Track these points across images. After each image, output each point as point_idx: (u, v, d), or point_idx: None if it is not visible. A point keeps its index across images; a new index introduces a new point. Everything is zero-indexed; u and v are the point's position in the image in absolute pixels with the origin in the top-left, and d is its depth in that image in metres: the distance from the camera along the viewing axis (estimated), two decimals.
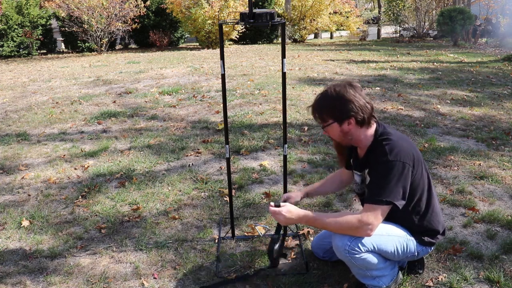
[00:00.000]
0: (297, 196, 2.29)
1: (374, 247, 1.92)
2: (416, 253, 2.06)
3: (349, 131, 1.91)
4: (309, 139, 4.44)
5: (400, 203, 1.84)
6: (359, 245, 1.89)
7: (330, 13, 20.37)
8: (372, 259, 1.94)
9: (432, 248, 2.13)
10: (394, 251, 1.98)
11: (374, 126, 1.96)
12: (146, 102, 6.43)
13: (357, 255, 1.91)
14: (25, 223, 2.92)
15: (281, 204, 1.96)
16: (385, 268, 2.02)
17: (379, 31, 24.88)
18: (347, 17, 21.57)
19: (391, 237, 1.97)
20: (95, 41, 15.33)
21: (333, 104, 1.88)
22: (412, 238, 2.03)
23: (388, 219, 1.94)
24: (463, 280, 2.19)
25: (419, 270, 2.24)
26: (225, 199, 3.19)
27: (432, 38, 19.89)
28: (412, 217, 2.01)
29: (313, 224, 1.99)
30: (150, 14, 17.61)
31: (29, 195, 3.39)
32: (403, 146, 1.89)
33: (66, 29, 15.39)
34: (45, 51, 17.03)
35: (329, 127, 1.93)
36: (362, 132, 1.93)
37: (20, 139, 4.86)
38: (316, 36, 25.81)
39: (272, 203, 1.98)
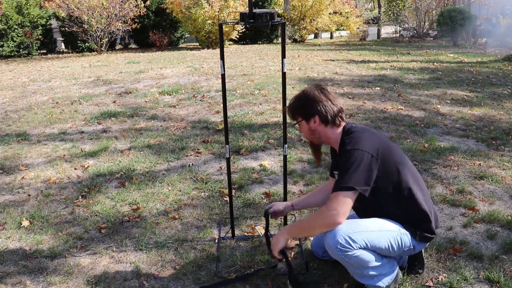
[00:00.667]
0: (281, 205, 2.37)
1: (366, 243, 1.92)
2: (412, 247, 2.04)
3: (316, 129, 2.06)
4: None
5: (364, 189, 1.87)
6: (351, 242, 1.89)
7: (330, 13, 20.38)
8: (367, 256, 1.94)
9: (427, 243, 2.11)
10: (389, 246, 1.97)
11: (342, 125, 2.06)
12: (146, 102, 6.43)
13: (349, 253, 1.90)
14: (25, 223, 2.92)
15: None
16: (382, 266, 2.01)
17: (379, 31, 24.90)
18: (347, 17, 21.57)
19: (383, 233, 1.96)
20: (95, 41, 15.34)
21: (300, 104, 2.07)
22: (406, 232, 2.01)
23: (378, 214, 1.99)
24: (463, 280, 2.19)
25: (419, 270, 2.24)
26: (225, 199, 3.19)
27: (432, 38, 19.90)
28: (396, 209, 2.01)
29: (296, 233, 2.14)
30: (150, 14, 17.61)
31: (29, 195, 3.39)
32: (365, 137, 1.94)
33: (66, 29, 15.39)
34: (45, 51, 17.03)
35: (299, 125, 2.10)
36: (328, 131, 2.05)
37: (20, 139, 4.86)
38: (316, 36, 25.81)
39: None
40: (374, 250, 1.96)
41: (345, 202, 1.85)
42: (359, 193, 1.87)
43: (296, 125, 2.11)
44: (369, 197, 1.91)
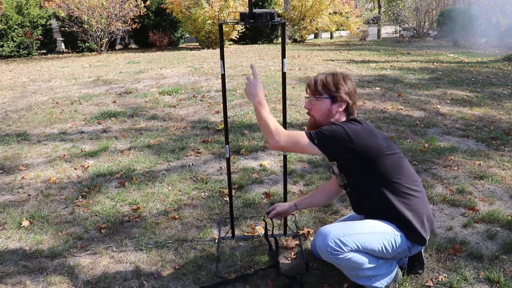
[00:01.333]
0: (285, 205, 2.41)
1: (357, 246, 1.91)
2: (407, 248, 2.03)
3: (336, 114, 2.04)
4: None
5: (317, 143, 1.89)
6: (341, 245, 1.89)
7: (330, 13, 20.37)
8: (359, 258, 1.93)
9: (423, 246, 2.10)
10: (382, 248, 1.96)
11: (350, 117, 2.08)
12: (146, 102, 6.43)
13: (341, 256, 1.90)
14: (25, 223, 2.92)
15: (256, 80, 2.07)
16: (378, 267, 2.00)
17: (379, 31, 24.89)
18: (347, 17, 21.57)
19: (375, 235, 1.95)
20: (95, 41, 15.33)
21: (339, 84, 2.02)
22: (400, 233, 2.00)
23: (372, 214, 2.01)
24: (463, 280, 2.19)
25: (419, 270, 2.24)
26: (225, 199, 3.19)
27: (432, 38, 19.90)
28: (382, 201, 2.00)
29: (256, 110, 2.04)
30: (150, 14, 17.60)
31: (29, 195, 3.39)
32: (354, 125, 1.95)
33: (66, 29, 15.38)
34: (45, 51, 17.02)
35: (319, 101, 2.04)
36: (342, 119, 2.05)
37: (20, 139, 4.86)
38: (316, 36, 25.80)
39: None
40: (367, 252, 1.95)
41: (295, 141, 1.92)
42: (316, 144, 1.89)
43: (314, 98, 2.06)
44: (354, 180, 2.03)
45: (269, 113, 2.00)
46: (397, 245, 1.99)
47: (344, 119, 2.06)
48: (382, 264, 2.03)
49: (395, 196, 1.99)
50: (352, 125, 1.95)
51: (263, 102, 2.03)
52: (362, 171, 1.99)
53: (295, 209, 2.43)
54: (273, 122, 1.96)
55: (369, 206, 2.07)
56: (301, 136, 1.92)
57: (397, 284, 2.13)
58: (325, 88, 2.03)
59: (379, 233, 1.97)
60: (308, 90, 2.11)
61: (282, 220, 2.70)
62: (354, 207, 2.22)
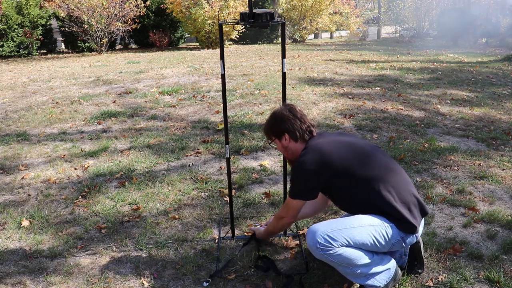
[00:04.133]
0: (260, 230, 2.59)
1: (347, 240, 1.92)
2: (400, 239, 2.02)
3: (288, 146, 2.24)
4: None
5: (305, 197, 2.11)
6: (330, 240, 1.90)
7: (330, 13, 20.38)
8: (351, 253, 1.93)
9: (416, 235, 2.07)
10: (374, 241, 1.96)
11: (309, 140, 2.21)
12: (146, 102, 6.43)
13: (331, 251, 1.91)
14: (25, 223, 2.92)
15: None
16: (374, 263, 1.99)
17: (379, 31, 24.89)
18: (347, 17, 21.58)
19: (364, 228, 1.96)
20: (95, 41, 15.33)
21: (271, 124, 2.28)
22: (391, 225, 2.00)
23: (356, 206, 2.07)
24: (463, 280, 2.19)
25: (419, 270, 2.24)
26: (225, 199, 3.19)
27: (432, 38, 19.89)
28: (368, 201, 2.03)
29: (265, 236, 2.54)
30: (150, 14, 17.60)
31: (29, 195, 3.39)
32: (313, 152, 2.07)
33: (66, 29, 15.38)
34: (45, 51, 17.01)
35: (274, 143, 2.31)
36: (298, 146, 2.21)
37: (20, 139, 4.86)
38: (316, 36, 25.80)
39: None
40: (359, 247, 1.95)
41: (292, 207, 2.17)
42: (307, 196, 2.10)
43: (272, 144, 2.32)
44: (335, 191, 2.12)
45: (267, 227, 2.47)
46: (390, 237, 1.99)
47: (301, 145, 2.20)
48: (378, 260, 2.02)
49: (375, 193, 2.01)
50: (303, 156, 2.08)
51: (262, 233, 2.53)
52: (340, 186, 2.08)
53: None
54: (271, 226, 2.41)
55: (356, 206, 2.09)
56: (289, 202, 2.17)
57: (397, 284, 2.13)
58: (268, 134, 2.32)
59: (368, 226, 1.97)
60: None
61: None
62: (342, 208, 2.29)
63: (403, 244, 2.06)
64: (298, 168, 2.09)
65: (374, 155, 2.11)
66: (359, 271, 1.98)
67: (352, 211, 2.13)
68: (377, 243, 1.97)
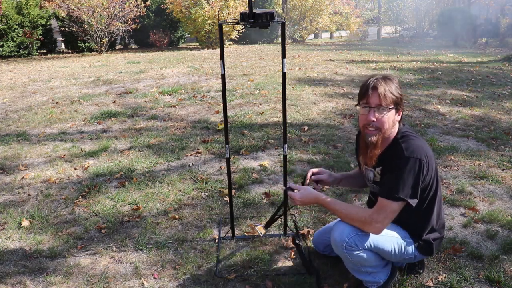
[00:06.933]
0: (326, 173, 2.29)
1: (371, 245, 1.94)
2: (413, 256, 2.06)
3: (395, 124, 1.94)
4: (309, 139, 4.44)
5: (413, 201, 1.84)
6: (357, 242, 1.91)
7: (330, 13, 20.39)
8: (369, 256, 1.96)
9: (428, 256, 2.12)
10: (392, 251, 1.99)
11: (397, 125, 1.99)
12: (146, 102, 6.43)
13: (354, 252, 1.93)
14: (25, 223, 2.92)
15: (297, 187, 2.08)
16: (379, 265, 2.04)
17: (379, 31, 24.89)
18: (347, 17, 21.59)
19: (389, 238, 1.98)
20: (95, 41, 15.34)
21: (400, 94, 1.93)
22: (412, 243, 2.03)
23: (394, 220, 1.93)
24: (463, 280, 2.19)
25: (419, 270, 2.24)
26: (225, 199, 3.19)
27: (432, 38, 19.89)
28: (413, 216, 1.99)
29: (325, 206, 2.01)
30: (150, 14, 17.61)
31: (29, 195, 3.39)
32: (419, 144, 1.89)
33: (66, 29, 15.39)
34: (45, 51, 17.02)
35: (389, 112, 1.89)
36: (395, 126, 1.95)
37: (20, 139, 4.86)
38: (316, 36, 25.82)
39: (290, 185, 2.11)
40: (377, 252, 1.98)
41: (392, 214, 1.86)
42: (414, 196, 1.83)
43: (384, 109, 1.88)
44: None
45: (340, 204, 1.98)
46: (406, 252, 2.02)
47: (397, 126, 1.97)
48: (385, 264, 2.07)
49: (434, 214, 2.01)
50: (416, 149, 1.84)
51: (320, 198, 2.00)
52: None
53: (336, 183, 2.33)
54: (352, 212, 1.92)
55: (408, 216, 1.97)
56: (388, 205, 1.84)
57: (395, 278, 2.15)
58: (392, 100, 1.89)
59: (393, 237, 1.99)
60: (377, 100, 1.88)
61: (282, 220, 2.70)
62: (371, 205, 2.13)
63: (413, 260, 2.10)
64: (413, 161, 1.81)
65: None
66: (365, 269, 2.02)
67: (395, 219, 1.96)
68: (392, 253, 2.00)
